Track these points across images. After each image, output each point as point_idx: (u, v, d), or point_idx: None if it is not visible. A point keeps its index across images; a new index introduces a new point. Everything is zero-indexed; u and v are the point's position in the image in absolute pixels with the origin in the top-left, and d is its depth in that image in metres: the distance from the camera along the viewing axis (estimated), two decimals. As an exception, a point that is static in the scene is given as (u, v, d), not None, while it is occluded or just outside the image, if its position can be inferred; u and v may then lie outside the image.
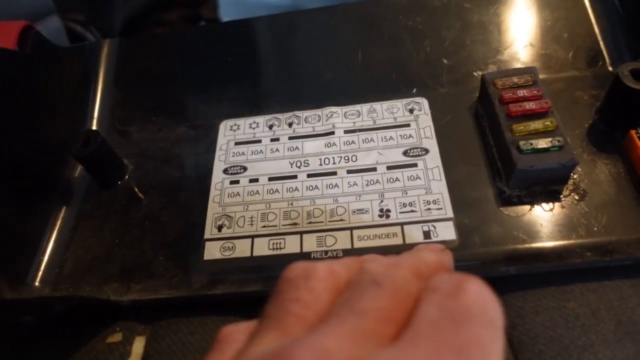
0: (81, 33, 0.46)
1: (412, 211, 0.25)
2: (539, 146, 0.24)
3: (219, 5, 0.65)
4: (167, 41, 0.36)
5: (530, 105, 0.25)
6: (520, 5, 0.33)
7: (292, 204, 0.27)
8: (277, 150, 0.29)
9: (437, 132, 0.28)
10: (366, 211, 0.26)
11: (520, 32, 0.31)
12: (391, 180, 0.27)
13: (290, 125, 0.30)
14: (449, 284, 0.14)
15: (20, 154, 0.27)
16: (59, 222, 0.28)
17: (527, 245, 0.23)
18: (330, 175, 0.27)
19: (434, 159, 0.27)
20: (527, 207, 0.24)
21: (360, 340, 0.13)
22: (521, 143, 0.24)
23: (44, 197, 0.28)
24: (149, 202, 0.28)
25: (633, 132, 0.25)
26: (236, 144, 0.30)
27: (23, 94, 0.28)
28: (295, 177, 0.28)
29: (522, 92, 0.26)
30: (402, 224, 0.25)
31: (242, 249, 0.25)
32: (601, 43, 0.30)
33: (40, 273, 0.26)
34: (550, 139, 0.24)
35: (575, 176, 0.25)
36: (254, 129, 0.31)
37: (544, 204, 0.24)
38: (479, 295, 0.14)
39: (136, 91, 0.34)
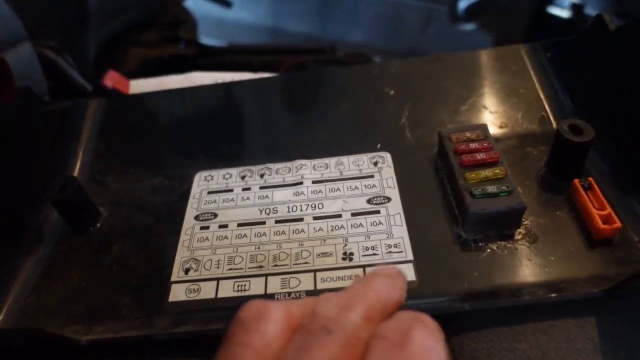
0: (54, 60, 0.44)
1: (374, 254, 0.26)
2: (490, 191, 0.26)
3: (198, 26, 0.65)
4: (147, 101, 0.39)
5: (481, 156, 0.27)
6: (475, 73, 0.36)
7: (259, 248, 0.27)
8: (248, 198, 0.31)
9: (399, 183, 0.30)
10: (330, 254, 0.27)
11: (475, 97, 0.35)
12: (355, 225, 0.28)
13: (261, 176, 0.32)
14: (397, 333, 0.15)
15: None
16: (27, 265, 0.28)
17: (482, 285, 0.24)
18: (297, 221, 0.29)
19: (396, 206, 0.29)
20: (483, 250, 0.26)
21: None
22: (473, 189, 0.26)
23: (16, 240, 0.28)
24: (120, 247, 0.29)
25: (577, 181, 0.27)
26: (209, 192, 0.31)
27: (5, 142, 0.30)
28: (263, 223, 0.29)
29: (473, 145, 0.28)
30: (364, 266, 0.26)
31: (207, 291, 0.26)
32: (546, 105, 0.33)
33: (1, 315, 0.26)
34: (499, 185, 0.26)
35: (526, 222, 0.26)
36: (227, 179, 0.32)
37: (498, 247, 0.26)
38: (425, 345, 0.15)
39: (116, 145, 0.36)
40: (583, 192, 0.26)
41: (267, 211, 0.29)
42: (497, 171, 0.26)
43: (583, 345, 0.22)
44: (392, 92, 0.36)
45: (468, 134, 0.29)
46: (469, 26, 0.60)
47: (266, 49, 0.61)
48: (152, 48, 0.57)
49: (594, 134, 0.26)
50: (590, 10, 0.60)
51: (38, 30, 0.42)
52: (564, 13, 0.64)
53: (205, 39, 0.65)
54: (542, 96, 0.33)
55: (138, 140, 0.36)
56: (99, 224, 0.30)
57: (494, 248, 0.26)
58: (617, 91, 0.29)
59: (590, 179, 0.27)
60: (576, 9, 0.62)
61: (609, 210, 0.25)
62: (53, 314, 0.26)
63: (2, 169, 0.29)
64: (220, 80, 0.44)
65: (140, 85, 0.46)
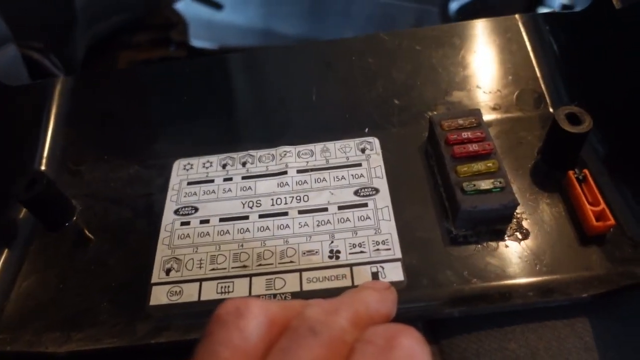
0: (40, 61, 0.44)
1: (361, 252, 0.25)
2: (482, 187, 0.25)
3: (189, 28, 0.65)
4: (121, 80, 0.36)
5: (473, 147, 0.26)
6: (468, 48, 0.34)
7: (242, 245, 0.26)
8: (230, 190, 0.29)
9: (387, 172, 0.29)
10: (316, 252, 0.26)
11: (468, 75, 0.33)
12: (342, 220, 0.27)
13: (244, 164, 0.30)
14: (383, 338, 0.15)
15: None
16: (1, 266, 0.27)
17: (472, 286, 0.24)
18: (282, 216, 0.27)
19: (384, 198, 0.27)
20: (473, 247, 0.25)
21: None
22: (464, 184, 0.25)
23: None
24: (97, 245, 0.27)
25: (571, 173, 0.26)
26: (189, 183, 0.30)
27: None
28: (247, 217, 0.28)
29: (466, 134, 0.27)
30: (351, 265, 0.25)
31: (189, 293, 0.25)
32: (543, 86, 0.31)
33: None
34: (492, 180, 0.25)
35: (518, 215, 0.26)
36: (207, 168, 0.31)
37: (488, 244, 0.25)
38: (411, 352, 0.14)
39: (89, 130, 0.33)
40: (577, 186, 0.25)
41: (250, 204, 0.28)
42: (490, 164, 0.25)
43: (573, 344, 0.22)
44: (379, 70, 0.34)
45: (460, 121, 0.28)
46: None
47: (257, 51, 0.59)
48: (142, 50, 0.54)
49: (592, 123, 0.25)
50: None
51: (23, 31, 0.41)
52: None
53: (196, 42, 0.63)
54: (539, 75, 0.32)
55: (111, 124, 0.34)
56: (74, 218, 0.29)
57: (485, 245, 0.25)
58: (618, 75, 0.28)
59: (586, 171, 0.26)
60: (566, 9, 0.60)
61: (602, 205, 0.24)
62: (31, 320, 0.25)
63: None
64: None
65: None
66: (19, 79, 0.40)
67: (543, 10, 0.61)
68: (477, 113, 0.28)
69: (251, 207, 0.28)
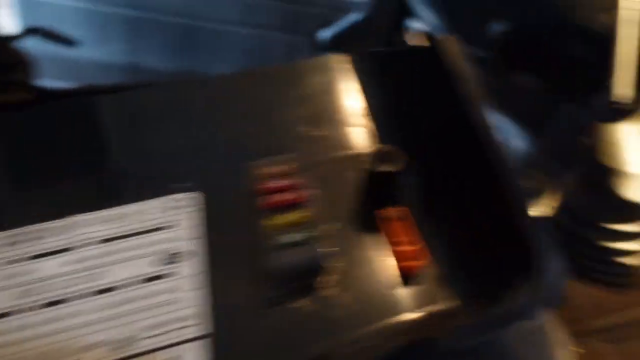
0: None
1: (160, 334, 0.21)
2: (285, 241, 0.22)
3: (40, 68, 0.56)
4: None
5: (281, 197, 0.24)
6: (298, 88, 0.33)
7: (19, 347, 0.20)
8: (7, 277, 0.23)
9: (204, 231, 0.25)
10: (101, 345, 0.20)
11: (289, 117, 0.31)
12: (137, 298, 0.22)
13: (12, 245, 0.24)
14: None
15: None
16: None
17: (292, 355, 0.20)
18: (65, 303, 0.22)
19: (192, 265, 0.24)
20: (291, 307, 0.22)
21: None
22: (278, 236, 0.22)
23: None
24: None
25: (379, 213, 0.25)
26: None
27: None
28: (25, 311, 0.22)
29: (281, 183, 0.25)
30: (146, 353, 0.20)
31: None
32: (370, 122, 0.30)
33: None
34: (301, 233, 0.22)
35: (339, 264, 0.23)
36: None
37: (307, 302, 0.22)
38: None
39: None
40: (383, 226, 0.24)
41: (27, 293, 0.22)
42: (305, 214, 0.23)
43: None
44: (202, 115, 0.31)
45: (275, 169, 0.25)
46: None
47: (120, 87, 0.53)
48: None
49: (404, 162, 0.24)
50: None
51: None
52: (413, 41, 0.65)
53: (50, 81, 0.55)
54: (367, 113, 0.31)
55: None
56: None
57: (304, 303, 0.22)
58: (429, 113, 0.28)
59: (399, 209, 0.24)
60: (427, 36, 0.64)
61: (411, 245, 0.23)
62: None
63: None
64: None
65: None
66: None
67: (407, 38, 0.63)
68: (294, 158, 0.26)
69: (29, 297, 0.22)
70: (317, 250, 0.22)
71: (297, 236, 0.22)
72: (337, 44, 0.75)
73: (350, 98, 0.32)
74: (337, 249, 0.22)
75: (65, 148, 0.29)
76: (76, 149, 0.29)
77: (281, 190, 0.24)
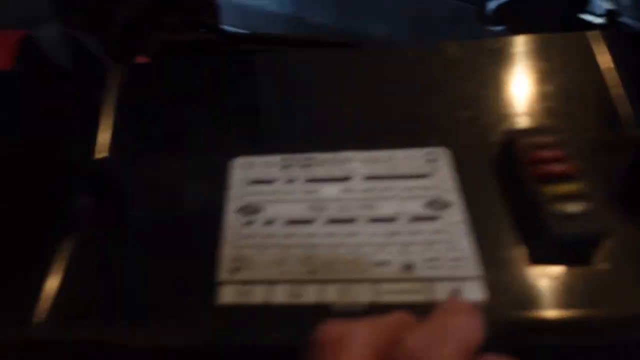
0: (78, 40, 0.43)
1: (437, 267, 0.24)
2: (568, 210, 0.23)
3: (220, 12, 0.63)
4: (183, 72, 0.35)
5: (557, 167, 0.25)
6: (535, 63, 0.33)
7: (310, 250, 0.25)
8: (293, 192, 0.28)
9: (460, 186, 0.28)
10: (388, 264, 0.25)
11: (538, 91, 0.32)
12: (414, 232, 0.26)
13: (306, 167, 0.29)
14: None
15: (27, 179, 0.25)
16: (58, 257, 0.25)
17: (556, 314, 0.23)
18: (350, 223, 0.26)
19: (457, 213, 0.26)
20: (559, 271, 0.24)
21: None
22: (550, 206, 0.24)
23: (46, 226, 0.26)
24: (156, 238, 0.26)
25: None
26: (250, 183, 0.29)
27: (33, 114, 0.26)
28: (312, 221, 0.27)
29: (547, 153, 0.26)
30: (427, 280, 0.24)
31: (256, 295, 0.24)
32: (619, 107, 0.30)
33: (35, 311, 0.23)
34: (580, 203, 0.24)
35: (607, 242, 0.24)
36: (268, 168, 0.29)
37: (576, 270, 0.24)
38: None
39: (148, 124, 0.32)
40: None
41: (316, 208, 0.27)
42: (576, 186, 0.24)
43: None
44: (444, 80, 0.33)
45: (539, 139, 0.27)
46: (497, 28, 0.56)
47: (290, 39, 0.57)
48: (174, 32, 0.53)
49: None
50: (626, 19, 0.57)
51: (62, 9, 0.40)
52: (597, 20, 0.60)
53: (227, 25, 0.61)
54: (613, 95, 0.31)
55: (170, 118, 0.33)
56: (131, 213, 0.28)
57: (572, 271, 0.24)
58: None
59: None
60: (611, 16, 0.59)
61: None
62: (89, 311, 0.23)
63: (31, 147, 0.26)
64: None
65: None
66: (60, 56, 0.39)
67: (586, 16, 0.59)
68: (556, 130, 0.27)
69: (316, 212, 0.27)
70: (598, 223, 0.23)
71: (576, 207, 0.23)
72: (503, 16, 0.71)
73: (599, 79, 0.32)
74: (610, 223, 0.23)
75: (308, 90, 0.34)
76: (340, 99, 0.33)
77: (550, 160, 0.26)
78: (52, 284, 0.24)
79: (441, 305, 0.17)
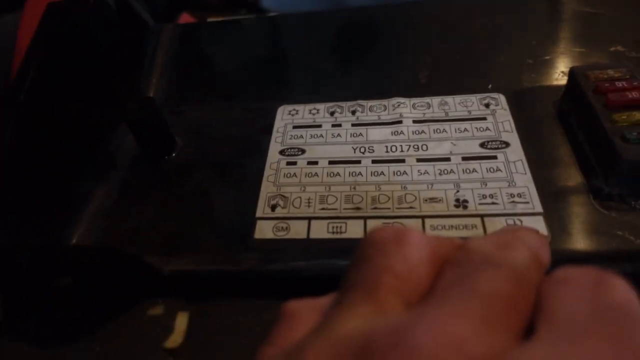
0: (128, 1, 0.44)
1: (493, 203, 0.22)
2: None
3: None
4: (227, 29, 0.36)
5: (633, 94, 0.23)
6: (604, 5, 0.31)
7: (354, 188, 0.24)
8: (339, 135, 0.27)
9: (517, 127, 0.26)
10: (440, 200, 0.23)
11: (607, 33, 0.29)
12: (467, 171, 0.24)
13: (353, 112, 0.28)
14: (585, 278, 0.11)
15: (75, 113, 0.26)
16: (101, 190, 0.26)
17: (632, 246, 0.20)
18: (398, 162, 0.25)
19: (516, 152, 0.24)
20: (633, 208, 0.21)
21: (494, 330, 0.10)
22: (626, 132, 0.21)
23: (89, 164, 0.26)
24: (198, 177, 0.26)
25: None
26: (294, 127, 0.28)
27: (87, 53, 0.27)
28: (358, 162, 0.25)
29: (620, 84, 0.23)
30: (482, 216, 0.22)
31: (297, 230, 0.23)
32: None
33: (74, 240, 0.24)
34: (660, 129, 0.21)
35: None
36: (314, 114, 0.29)
37: (647, 204, 0.21)
38: (629, 295, 0.11)
39: (193, 75, 0.33)
40: None
41: (362, 149, 0.26)
42: (654, 114, 0.22)
43: None
44: (500, 27, 0.31)
45: (610, 72, 0.24)
46: None
47: None
48: (215, 11, 0.54)
49: None
50: None
51: None
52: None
53: (267, 4, 0.61)
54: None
55: (215, 70, 0.33)
56: (174, 154, 0.28)
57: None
58: None
59: None
60: None
61: None
62: (128, 242, 0.23)
63: (79, 80, 0.26)
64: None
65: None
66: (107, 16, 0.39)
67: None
68: (628, 65, 0.25)
69: (363, 153, 0.26)
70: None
71: (653, 133, 0.21)
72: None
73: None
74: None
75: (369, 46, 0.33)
76: (392, 50, 0.32)
77: (623, 89, 0.23)
78: (89, 215, 0.24)
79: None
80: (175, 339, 0.20)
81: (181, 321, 0.21)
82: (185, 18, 0.48)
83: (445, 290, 0.11)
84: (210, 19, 0.44)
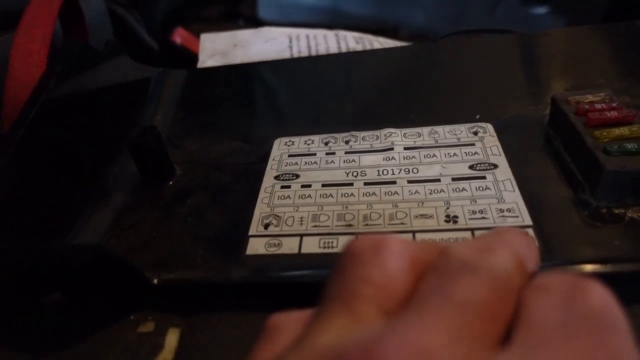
0: (123, 16, 0.44)
1: (483, 218, 0.23)
2: (629, 148, 0.21)
3: (258, 4, 0.61)
4: (229, 74, 0.38)
5: (611, 114, 0.23)
6: (584, 40, 0.33)
7: (347, 207, 0.24)
8: (333, 162, 0.28)
9: (505, 152, 0.26)
10: (430, 216, 0.23)
11: (588, 66, 0.31)
12: (457, 190, 0.24)
13: (347, 142, 0.29)
14: (564, 284, 0.11)
15: (80, 144, 0.27)
16: (99, 213, 0.26)
17: (622, 253, 0.20)
18: (390, 184, 0.25)
19: (505, 172, 0.25)
20: (620, 218, 0.21)
21: (466, 340, 0.10)
22: (607, 146, 0.22)
23: (89, 188, 0.27)
24: (195, 200, 0.27)
25: None
26: (290, 155, 0.29)
27: (96, 94, 0.29)
28: (351, 184, 0.26)
29: (599, 106, 0.25)
30: (472, 229, 0.22)
31: (289, 246, 0.23)
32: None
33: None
34: (634, 144, 0.22)
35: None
36: (309, 144, 0.30)
37: (631, 211, 0.21)
38: (606, 300, 0.11)
39: (194, 114, 0.34)
40: None
41: (355, 174, 0.27)
42: (635, 129, 0.22)
43: None
44: (487, 62, 0.33)
45: (589, 97, 0.25)
46: (541, 10, 0.53)
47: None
48: (212, 24, 0.56)
49: None
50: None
51: None
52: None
53: (265, 17, 0.61)
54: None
55: (216, 110, 0.35)
56: (172, 182, 0.28)
57: (636, 217, 0.21)
58: None
59: None
60: None
61: None
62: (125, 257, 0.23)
63: (85, 115, 0.28)
64: (293, 36, 0.42)
65: (211, 39, 0.45)
66: (104, 32, 0.41)
67: None
68: (607, 90, 0.26)
69: (355, 176, 0.26)
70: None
71: (632, 145, 0.21)
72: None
73: None
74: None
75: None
76: (382, 87, 0.34)
77: (603, 110, 0.24)
78: (85, 235, 0.25)
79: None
80: (165, 356, 0.20)
81: (171, 338, 0.20)
82: (180, 33, 0.50)
83: (421, 299, 0.11)
84: (204, 34, 0.46)
